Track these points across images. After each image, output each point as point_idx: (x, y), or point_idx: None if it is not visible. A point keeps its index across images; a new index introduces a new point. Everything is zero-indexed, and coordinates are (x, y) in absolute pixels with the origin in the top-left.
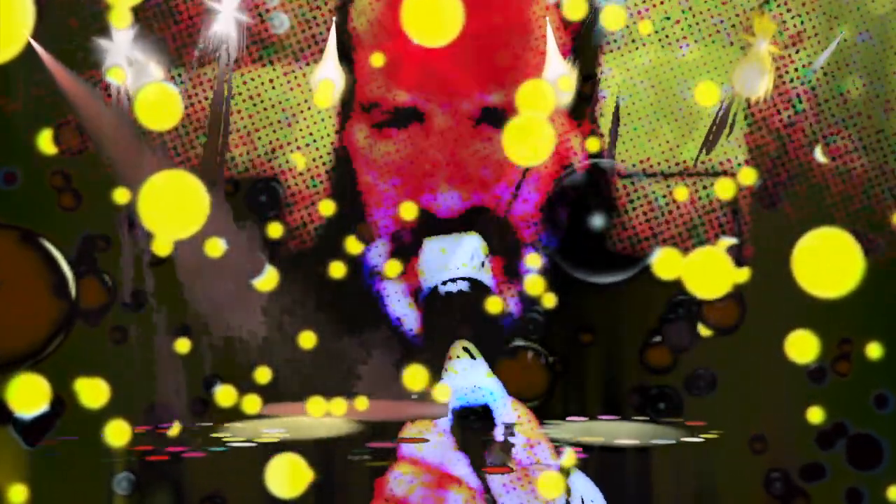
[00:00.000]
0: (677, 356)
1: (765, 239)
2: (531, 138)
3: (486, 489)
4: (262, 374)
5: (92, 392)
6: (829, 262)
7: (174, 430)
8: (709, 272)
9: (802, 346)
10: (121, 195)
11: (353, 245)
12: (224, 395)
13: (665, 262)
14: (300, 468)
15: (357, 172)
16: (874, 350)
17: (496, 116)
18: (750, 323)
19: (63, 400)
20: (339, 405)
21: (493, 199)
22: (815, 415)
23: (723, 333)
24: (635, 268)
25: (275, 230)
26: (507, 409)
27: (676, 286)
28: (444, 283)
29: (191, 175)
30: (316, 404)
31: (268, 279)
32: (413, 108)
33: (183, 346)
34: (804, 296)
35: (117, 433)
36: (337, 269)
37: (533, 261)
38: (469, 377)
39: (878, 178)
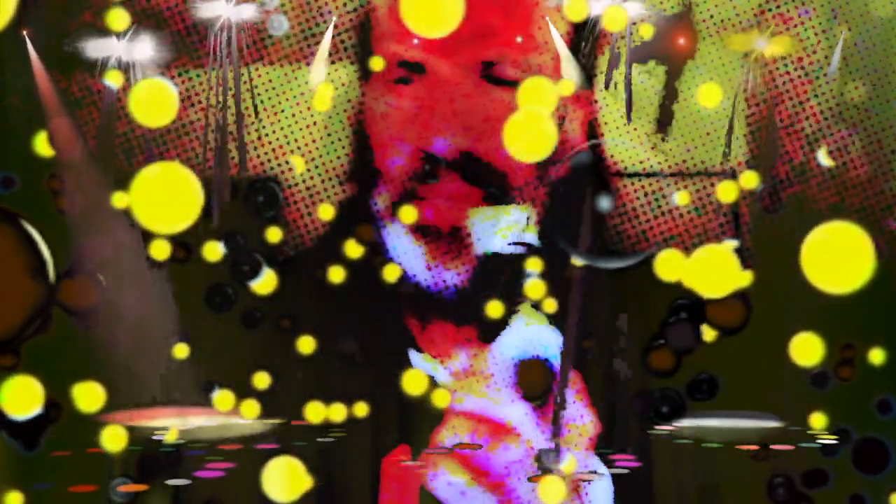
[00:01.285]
0: (680, 358)
1: (767, 242)
2: (532, 133)
3: (548, 435)
4: (261, 380)
5: (88, 396)
6: (839, 258)
7: (171, 435)
8: (713, 271)
9: (807, 349)
10: (119, 199)
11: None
12: (222, 399)
13: (667, 264)
14: (297, 472)
15: (369, 128)
16: (877, 355)
17: (494, 71)
18: (752, 326)
19: (59, 404)
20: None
21: (487, 148)
22: (819, 420)
23: (728, 334)
24: (638, 257)
25: (273, 234)
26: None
27: (678, 289)
28: (507, 245)
29: (183, 167)
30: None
31: (265, 281)
32: (419, 63)
33: (181, 351)
34: (806, 300)
35: (113, 438)
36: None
37: (534, 265)
38: (531, 331)
39: (880, 180)
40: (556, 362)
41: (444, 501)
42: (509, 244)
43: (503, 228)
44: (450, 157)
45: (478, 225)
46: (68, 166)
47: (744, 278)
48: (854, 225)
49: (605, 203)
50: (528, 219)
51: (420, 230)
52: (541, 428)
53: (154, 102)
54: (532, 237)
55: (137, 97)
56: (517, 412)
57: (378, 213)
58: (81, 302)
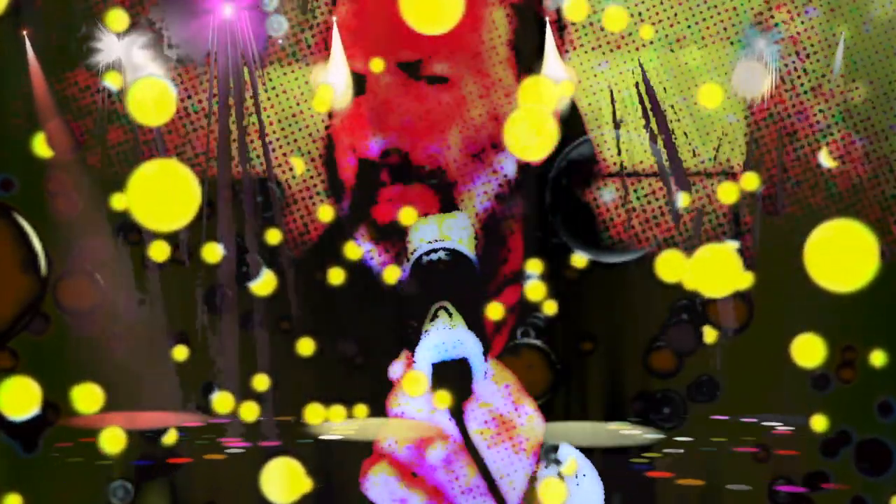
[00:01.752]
0: (681, 360)
1: (767, 244)
2: (533, 131)
3: (467, 440)
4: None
5: (86, 398)
6: (843, 256)
7: (169, 437)
8: (716, 270)
9: (809, 350)
10: (118, 201)
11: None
12: (221, 401)
13: (668, 264)
14: (297, 473)
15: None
16: (878, 357)
17: (413, 69)
18: (753, 328)
19: (58, 406)
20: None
21: (423, 146)
22: (819, 423)
23: (730, 334)
24: (637, 253)
25: (273, 236)
26: (484, 363)
27: (679, 290)
28: (427, 252)
29: (181, 164)
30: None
31: (265, 282)
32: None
33: (180, 353)
34: (807, 301)
35: (112, 440)
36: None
37: (534, 266)
38: (447, 333)
39: (882, 182)
40: (476, 363)
41: None
42: (425, 251)
43: (442, 234)
44: (387, 160)
45: (416, 233)
46: (63, 168)
47: (745, 279)
48: (858, 223)
49: (606, 196)
50: (469, 229)
51: (374, 234)
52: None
53: (152, 100)
54: (467, 248)
55: (135, 95)
56: (441, 415)
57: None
58: (79, 303)
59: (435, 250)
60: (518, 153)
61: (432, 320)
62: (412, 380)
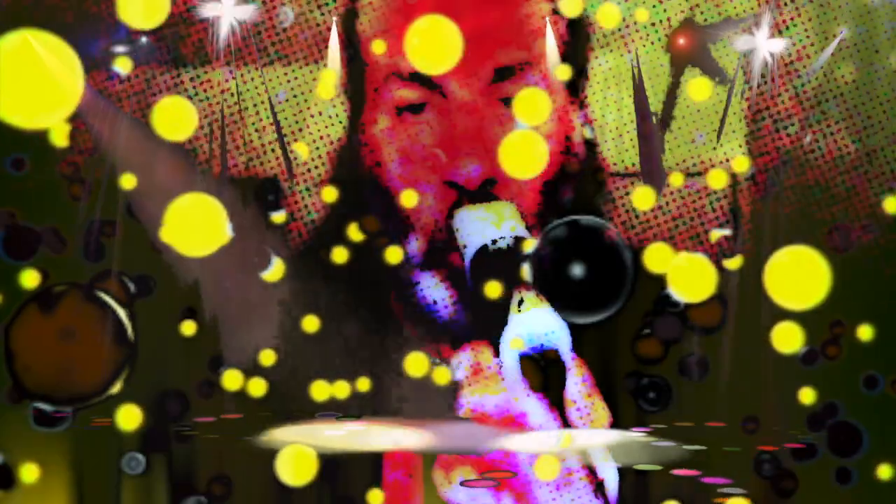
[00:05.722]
0: (668, 347)
1: (759, 228)
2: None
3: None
4: (267, 357)
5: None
6: (798, 278)
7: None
8: (693, 276)
9: (786, 337)
10: (127, 181)
11: (355, 233)
12: (230, 378)
13: (655, 257)
14: (308, 457)
15: (383, 169)
16: (865, 332)
17: (510, 76)
18: (739, 316)
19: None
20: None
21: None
22: (807, 396)
23: (706, 334)
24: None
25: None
26: (571, 354)
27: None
28: (494, 241)
29: (211, 198)
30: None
31: (275, 271)
32: (429, 78)
33: (189, 328)
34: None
35: (128, 418)
36: (340, 255)
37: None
38: (539, 322)
39: (868, 164)
40: (564, 350)
41: None
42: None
43: (498, 224)
44: (473, 186)
45: (467, 224)
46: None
47: (714, 285)
48: (809, 248)
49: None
50: (517, 218)
51: (451, 278)
52: (553, 417)
53: (175, 117)
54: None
55: (159, 112)
56: (532, 405)
57: (413, 258)
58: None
59: (500, 238)
60: (511, 171)
61: (519, 307)
62: (415, 361)
